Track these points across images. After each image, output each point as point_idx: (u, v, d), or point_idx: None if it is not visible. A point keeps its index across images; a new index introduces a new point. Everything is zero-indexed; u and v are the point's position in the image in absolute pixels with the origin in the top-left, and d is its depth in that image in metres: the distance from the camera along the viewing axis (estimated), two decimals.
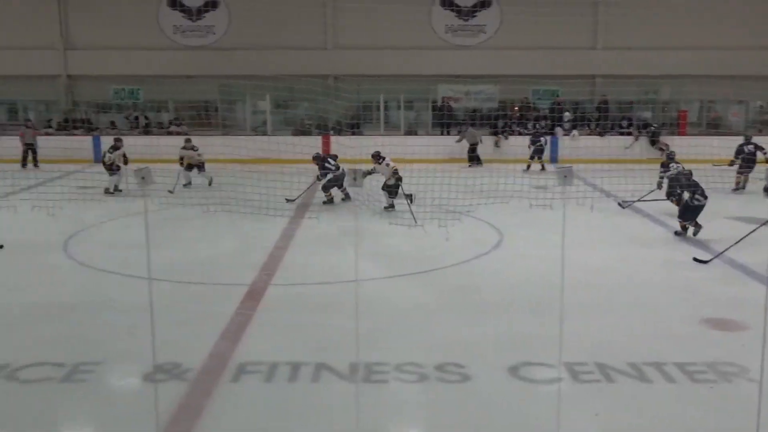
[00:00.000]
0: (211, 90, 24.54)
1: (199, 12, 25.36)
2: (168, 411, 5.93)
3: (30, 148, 21.89)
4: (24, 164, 21.77)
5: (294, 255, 11.36)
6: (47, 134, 23.16)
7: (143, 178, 5.11)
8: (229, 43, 25.11)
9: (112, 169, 16.74)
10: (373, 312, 8.02)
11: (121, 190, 16.73)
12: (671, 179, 13.33)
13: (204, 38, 25.43)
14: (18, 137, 22.12)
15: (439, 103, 25.42)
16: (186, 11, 25.32)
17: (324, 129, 23.14)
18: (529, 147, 21.29)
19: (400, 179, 14.33)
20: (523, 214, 13.75)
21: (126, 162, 16.82)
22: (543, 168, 20.77)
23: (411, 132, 24.61)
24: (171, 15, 25.34)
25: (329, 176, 15.23)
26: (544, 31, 24.63)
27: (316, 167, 15.60)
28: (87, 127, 24.34)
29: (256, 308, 8.69)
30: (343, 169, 15.09)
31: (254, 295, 9.21)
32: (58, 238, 12.24)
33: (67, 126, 24.08)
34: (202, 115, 25.04)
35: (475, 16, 25.48)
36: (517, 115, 24.74)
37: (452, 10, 25.53)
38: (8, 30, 24.67)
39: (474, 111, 25.22)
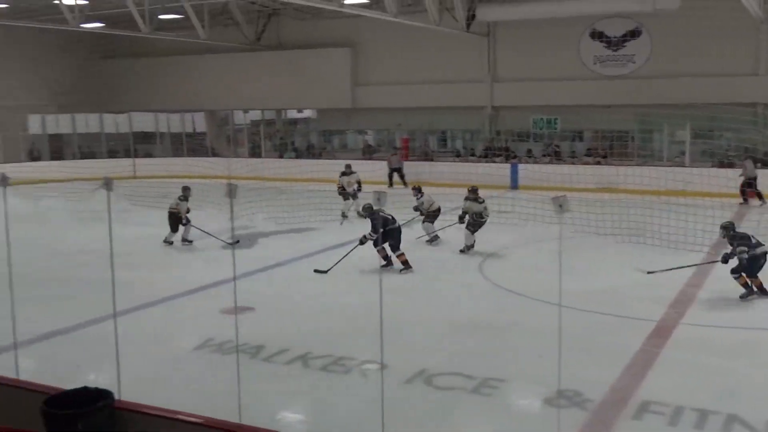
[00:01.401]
0: (628, 119, 24.25)
1: (621, 42, 25.26)
2: None
3: (396, 171, 24.68)
4: (390, 184, 24.12)
5: (708, 293, 10.74)
6: (465, 161, 25.10)
7: (561, 205, 5.28)
8: (649, 72, 24.51)
9: (344, 192, 17.29)
10: None
11: (346, 217, 16.98)
12: None
13: (623, 67, 25.21)
14: (385, 162, 25.17)
15: None
16: (607, 42, 25.40)
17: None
18: None
19: (436, 213, 14.68)
20: None
21: (359, 188, 17.34)
22: None
23: None
24: (592, 46, 25.62)
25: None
26: None
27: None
28: (506, 155, 25.77)
29: (663, 345, 8.43)
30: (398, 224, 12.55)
31: (662, 331, 8.92)
32: (476, 258, 13.27)
33: (489, 153, 25.81)
34: (618, 145, 24.85)
35: None
36: None
37: None
38: (445, 67, 27.22)
39: None
